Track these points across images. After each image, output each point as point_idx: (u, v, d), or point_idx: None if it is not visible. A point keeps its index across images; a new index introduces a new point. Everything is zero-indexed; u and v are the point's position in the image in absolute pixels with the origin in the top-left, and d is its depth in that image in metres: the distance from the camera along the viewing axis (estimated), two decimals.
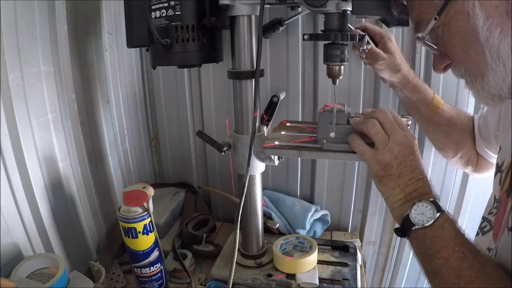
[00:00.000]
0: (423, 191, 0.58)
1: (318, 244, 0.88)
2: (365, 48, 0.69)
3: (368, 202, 1.10)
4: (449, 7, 0.52)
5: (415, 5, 0.58)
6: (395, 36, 0.84)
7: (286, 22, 0.88)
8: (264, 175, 0.84)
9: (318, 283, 0.81)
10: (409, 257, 1.14)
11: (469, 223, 1.03)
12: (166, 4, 0.70)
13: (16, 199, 0.69)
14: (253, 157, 0.74)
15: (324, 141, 0.69)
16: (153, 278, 0.81)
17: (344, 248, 0.93)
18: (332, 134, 0.69)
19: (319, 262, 0.87)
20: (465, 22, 0.51)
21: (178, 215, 1.11)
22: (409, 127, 0.65)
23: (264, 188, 1.09)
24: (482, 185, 0.98)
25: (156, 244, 0.79)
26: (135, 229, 0.75)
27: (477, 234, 0.66)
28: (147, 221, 0.76)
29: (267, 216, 1.03)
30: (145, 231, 0.76)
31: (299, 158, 1.09)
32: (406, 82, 0.83)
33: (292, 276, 0.83)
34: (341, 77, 0.68)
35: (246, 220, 0.85)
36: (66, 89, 0.81)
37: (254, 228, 0.87)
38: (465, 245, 0.52)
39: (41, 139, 0.76)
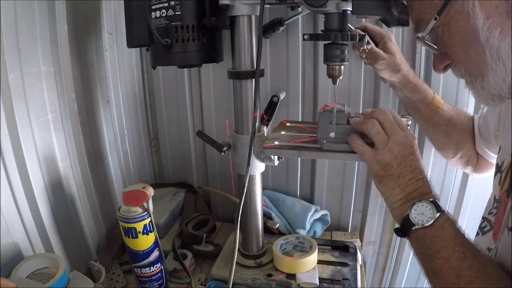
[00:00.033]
0: (423, 191, 0.58)
1: (318, 244, 0.88)
2: (365, 48, 0.69)
3: (368, 202, 1.10)
4: (449, 7, 0.52)
5: (415, 5, 0.58)
6: (395, 36, 0.84)
7: (286, 22, 0.88)
8: (264, 175, 0.84)
9: (318, 283, 0.81)
10: (409, 257, 1.14)
11: (469, 223, 1.03)
12: (166, 4, 0.70)
13: (16, 199, 0.69)
14: (253, 157, 0.74)
15: (324, 141, 0.68)
16: (153, 278, 0.81)
17: (344, 248, 0.93)
18: (332, 134, 0.69)
19: (319, 262, 0.87)
20: (465, 22, 0.51)
21: (178, 215, 1.11)
22: (409, 127, 0.65)
23: (264, 188, 1.09)
24: (482, 185, 0.97)
25: (156, 244, 0.80)
26: (135, 229, 0.75)
27: (477, 234, 0.66)
28: (147, 221, 0.76)
29: (267, 216, 1.03)
30: (145, 231, 0.76)
31: (299, 158, 1.09)
32: (406, 82, 0.83)
33: (292, 276, 0.83)
34: (341, 77, 0.68)
35: (246, 220, 0.85)
36: (66, 89, 0.81)
37: (254, 228, 0.87)
38: (465, 245, 0.52)
39: (41, 139, 0.76)
